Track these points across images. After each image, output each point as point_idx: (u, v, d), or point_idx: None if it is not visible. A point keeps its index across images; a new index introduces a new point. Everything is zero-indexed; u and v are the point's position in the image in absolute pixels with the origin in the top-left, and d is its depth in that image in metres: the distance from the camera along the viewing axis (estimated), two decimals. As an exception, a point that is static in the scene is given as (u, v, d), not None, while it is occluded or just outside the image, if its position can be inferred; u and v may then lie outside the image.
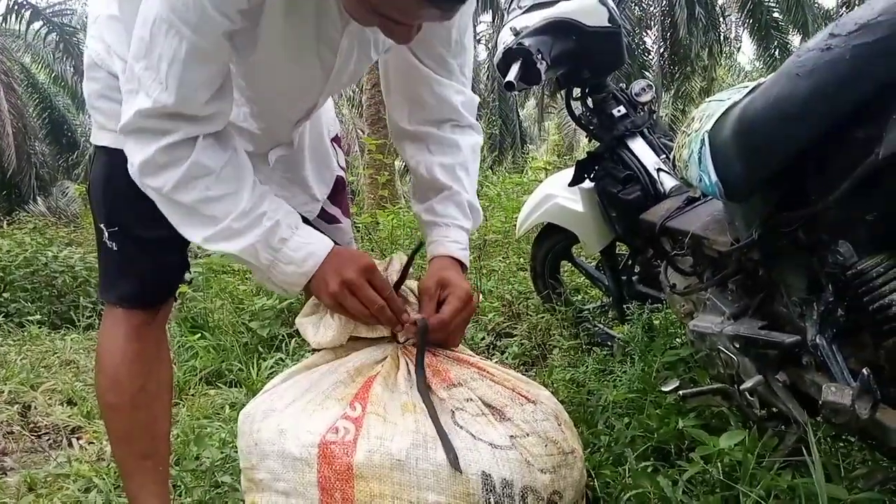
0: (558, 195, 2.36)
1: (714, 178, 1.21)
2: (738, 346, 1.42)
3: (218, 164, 1.05)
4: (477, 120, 1.41)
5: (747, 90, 1.19)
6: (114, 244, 1.29)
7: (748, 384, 1.37)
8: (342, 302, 1.09)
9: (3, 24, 13.56)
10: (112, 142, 1.23)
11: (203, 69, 1.01)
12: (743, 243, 1.32)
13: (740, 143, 1.13)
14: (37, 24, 12.08)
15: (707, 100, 1.39)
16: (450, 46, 1.27)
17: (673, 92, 16.05)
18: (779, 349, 1.32)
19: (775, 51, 14.95)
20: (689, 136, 1.37)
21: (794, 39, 15.35)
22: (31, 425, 2.40)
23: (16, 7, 11.47)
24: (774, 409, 1.40)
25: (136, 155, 1.04)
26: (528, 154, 16.95)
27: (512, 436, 1.00)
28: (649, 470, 1.44)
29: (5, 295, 4.98)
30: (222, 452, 1.81)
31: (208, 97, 1.03)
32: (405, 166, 14.73)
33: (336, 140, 1.54)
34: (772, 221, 1.20)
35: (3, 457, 2.15)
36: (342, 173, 1.54)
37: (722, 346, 1.47)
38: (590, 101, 2.15)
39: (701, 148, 1.25)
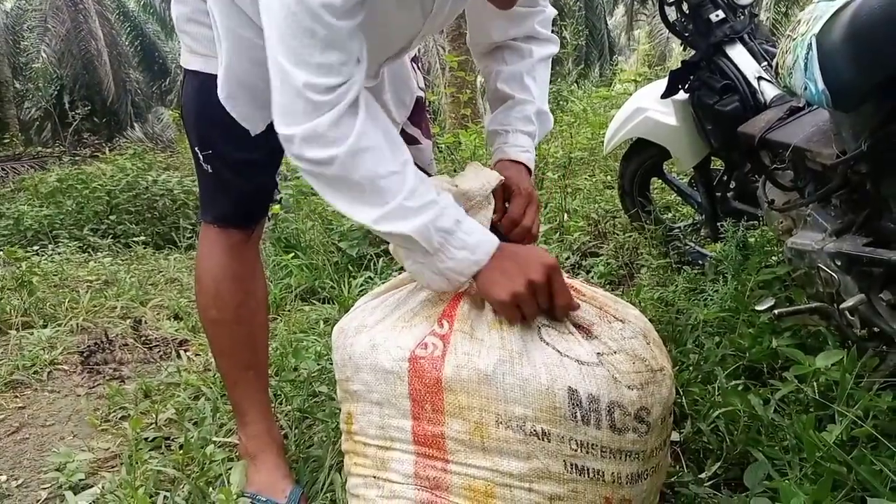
0: (650, 108, 2.26)
1: (821, 85, 1.13)
2: (839, 263, 1.35)
3: (380, 138, 1.00)
4: (562, 30, 1.36)
5: (861, -12, 1.09)
6: (209, 166, 1.32)
7: (849, 303, 1.32)
8: (522, 304, 1.00)
9: (94, -47, 13.97)
10: (202, 66, 1.25)
11: (354, 20, 0.96)
12: (850, 155, 1.24)
13: (852, 46, 1.04)
14: (124, -49, 12.36)
15: (815, 0, 1.28)
16: None
17: (775, -7, 14.92)
18: (884, 267, 1.26)
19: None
20: (794, 40, 1.27)
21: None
22: (143, 338, 2.59)
23: (104, -65, 11.75)
24: (876, 329, 1.35)
25: (296, 128, 0.97)
26: (616, 66, 16.27)
27: (599, 353, 1.00)
28: (740, 388, 1.42)
29: (112, 217, 5.30)
30: (318, 364, 1.91)
31: (361, 46, 0.99)
32: (488, 83, 14.41)
33: (414, 60, 1.51)
34: (883, 132, 1.13)
35: (120, 366, 2.34)
36: (422, 93, 1.52)
37: (822, 263, 1.40)
38: (685, 6, 2.03)
39: (808, 53, 1.16)
